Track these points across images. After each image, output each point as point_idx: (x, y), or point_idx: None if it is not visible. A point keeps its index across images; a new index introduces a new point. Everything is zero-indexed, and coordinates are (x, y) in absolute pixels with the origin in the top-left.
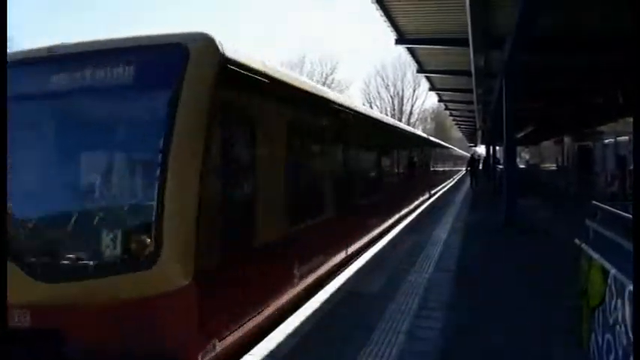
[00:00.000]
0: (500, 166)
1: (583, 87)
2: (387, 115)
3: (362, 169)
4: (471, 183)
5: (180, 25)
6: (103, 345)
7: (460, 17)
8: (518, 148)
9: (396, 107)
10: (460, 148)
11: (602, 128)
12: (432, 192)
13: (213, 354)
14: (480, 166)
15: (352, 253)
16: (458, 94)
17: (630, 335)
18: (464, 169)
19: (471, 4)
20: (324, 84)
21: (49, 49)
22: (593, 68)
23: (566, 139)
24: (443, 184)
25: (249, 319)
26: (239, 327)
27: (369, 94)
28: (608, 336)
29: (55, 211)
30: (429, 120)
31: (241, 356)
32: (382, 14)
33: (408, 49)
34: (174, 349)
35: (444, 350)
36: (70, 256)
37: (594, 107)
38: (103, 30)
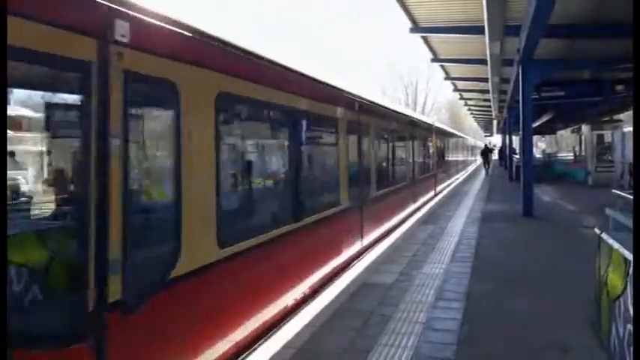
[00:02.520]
0: (517, 156)
1: (602, 74)
2: (400, 105)
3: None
4: (485, 169)
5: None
6: None
7: (475, 3)
8: (535, 138)
9: (409, 97)
10: (475, 138)
11: (621, 116)
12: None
13: None
14: (495, 156)
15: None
16: (473, 83)
17: None
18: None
19: None
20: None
21: None
22: (614, 55)
23: (584, 128)
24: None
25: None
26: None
27: (382, 84)
28: (629, 327)
29: None
30: (443, 111)
31: None
32: (397, 2)
33: (423, 37)
34: None
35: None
36: None
37: (614, 95)
38: None
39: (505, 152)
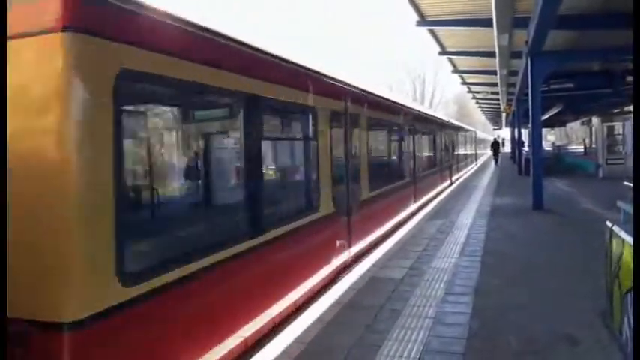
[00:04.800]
0: (525, 149)
1: (613, 65)
2: (407, 98)
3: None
4: (495, 161)
5: None
6: None
7: None
8: (544, 130)
9: (417, 91)
10: (484, 132)
11: (632, 108)
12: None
13: None
14: (507, 148)
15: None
16: (481, 75)
17: None
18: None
19: None
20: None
21: None
22: (624, 46)
23: (594, 120)
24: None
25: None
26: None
27: (388, 79)
28: None
29: None
30: (451, 104)
31: None
32: None
33: (430, 30)
34: None
35: None
36: None
37: (624, 86)
38: None
39: (515, 145)
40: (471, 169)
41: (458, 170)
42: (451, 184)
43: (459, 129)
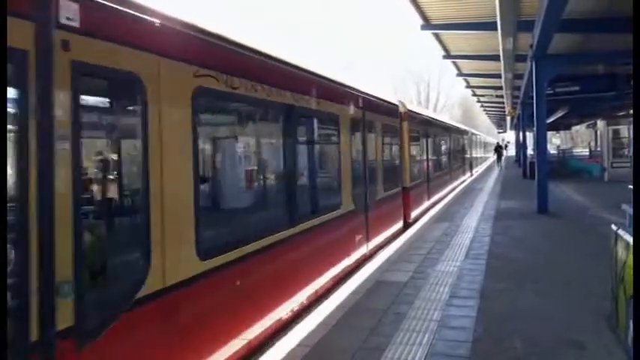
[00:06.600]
0: (530, 152)
1: (618, 68)
2: (411, 102)
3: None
4: (497, 163)
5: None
6: None
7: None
8: (549, 133)
9: (422, 94)
10: (488, 135)
11: None
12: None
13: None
14: (505, 152)
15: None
16: (486, 79)
17: None
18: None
19: None
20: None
21: None
22: (629, 48)
23: (600, 123)
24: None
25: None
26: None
27: (393, 82)
28: None
29: None
30: (455, 107)
31: None
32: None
33: (434, 34)
34: None
35: None
36: None
37: (629, 89)
38: None
39: (520, 149)
40: (460, 184)
41: (429, 193)
42: (408, 224)
43: (431, 124)
